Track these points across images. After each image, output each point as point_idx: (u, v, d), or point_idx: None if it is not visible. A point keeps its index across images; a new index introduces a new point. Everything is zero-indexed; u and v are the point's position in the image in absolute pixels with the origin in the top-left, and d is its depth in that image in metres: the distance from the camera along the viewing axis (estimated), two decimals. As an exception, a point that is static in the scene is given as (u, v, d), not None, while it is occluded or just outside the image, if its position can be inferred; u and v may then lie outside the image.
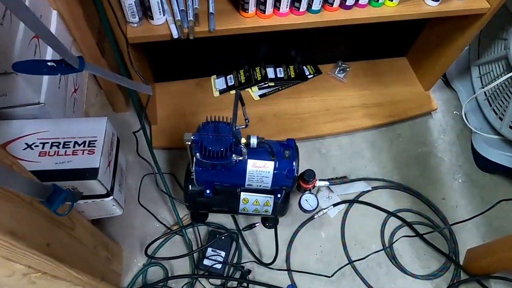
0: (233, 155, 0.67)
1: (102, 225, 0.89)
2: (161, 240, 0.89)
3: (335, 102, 1.12)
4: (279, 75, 1.13)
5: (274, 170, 0.72)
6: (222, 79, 1.13)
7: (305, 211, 0.83)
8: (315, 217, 0.95)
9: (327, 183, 0.86)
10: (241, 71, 1.12)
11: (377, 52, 1.20)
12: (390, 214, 0.97)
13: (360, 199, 1.00)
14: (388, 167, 1.06)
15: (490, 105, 1.06)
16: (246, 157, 0.69)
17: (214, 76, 1.14)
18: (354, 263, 0.90)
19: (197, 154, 0.67)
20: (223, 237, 0.86)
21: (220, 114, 0.71)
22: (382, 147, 1.09)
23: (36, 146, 0.60)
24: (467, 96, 1.16)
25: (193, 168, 0.71)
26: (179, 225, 0.91)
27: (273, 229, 0.93)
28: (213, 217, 0.94)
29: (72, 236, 0.60)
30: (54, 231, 0.52)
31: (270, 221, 0.93)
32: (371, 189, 1.00)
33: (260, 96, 1.11)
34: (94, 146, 0.61)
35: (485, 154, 1.05)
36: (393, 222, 0.97)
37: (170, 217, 0.94)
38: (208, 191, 0.76)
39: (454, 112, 1.18)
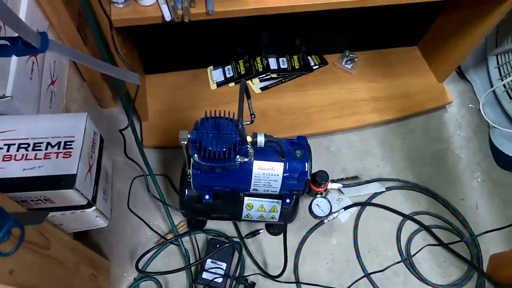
0: (237, 156, 0.57)
1: (86, 236, 0.79)
2: (154, 251, 0.80)
3: (343, 95, 1.03)
4: (282, 66, 1.03)
5: (283, 173, 0.62)
6: (219, 71, 1.03)
7: (316, 217, 0.74)
8: (324, 221, 0.87)
9: (340, 185, 0.77)
10: (241, 62, 1.02)
11: (386, 41, 1.11)
12: (406, 217, 0.89)
13: (373, 201, 0.91)
14: (402, 165, 0.97)
15: (510, 98, 0.98)
16: (252, 159, 0.59)
17: (211, 67, 1.03)
18: (369, 269, 0.82)
19: (195, 156, 0.57)
20: (224, 248, 0.76)
21: (218, 108, 0.61)
22: (394, 144, 1.01)
23: (0, 148, 0.50)
24: (483, 88, 1.07)
25: (190, 171, 0.61)
26: (174, 233, 0.81)
27: (278, 236, 0.84)
28: (212, 224, 0.85)
29: (46, 257, 0.50)
30: (19, 254, 0.42)
31: (276, 228, 0.84)
32: (385, 190, 0.92)
33: (262, 89, 1.02)
34: (71, 148, 0.51)
35: (505, 150, 0.97)
36: (410, 226, 0.88)
37: (164, 225, 0.85)
38: (207, 197, 0.66)
39: (470, 105, 1.09)
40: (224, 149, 0.56)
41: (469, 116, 1.07)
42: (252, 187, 0.64)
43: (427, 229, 0.88)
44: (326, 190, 0.75)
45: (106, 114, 0.98)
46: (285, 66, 1.03)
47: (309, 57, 1.06)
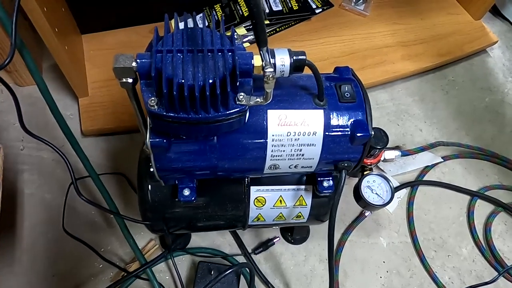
0: (239, 96, 0.28)
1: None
2: (108, 293, 0.48)
3: (361, 42, 0.76)
4: (275, 8, 0.75)
5: (325, 130, 0.34)
6: (188, 22, 0.73)
7: (368, 206, 0.46)
8: (366, 214, 0.59)
9: (398, 153, 0.49)
10: (217, 6, 0.73)
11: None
12: (476, 195, 0.63)
13: (427, 177, 0.64)
14: (452, 127, 0.71)
15: None
16: (266, 103, 0.30)
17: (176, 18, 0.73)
18: (446, 283, 0.55)
19: (152, 102, 0.28)
20: (223, 276, 0.46)
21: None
22: (436, 100, 0.75)
23: None
24: (530, 22, 0.84)
25: (149, 141, 0.31)
26: (139, 261, 0.50)
27: (302, 244, 0.56)
28: (198, 238, 0.55)
29: None
30: None
31: (297, 232, 0.55)
32: (442, 160, 0.65)
33: (251, 42, 0.73)
34: None
35: None
36: (482, 207, 0.62)
37: (123, 250, 0.54)
38: (186, 193, 0.37)
39: (517, 46, 0.86)
40: (211, 80, 0.27)
41: (519, 58, 0.84)
42: (267, 163, 0.35)
43: (507, 208, 0.62)
44: (378, 162, 0.47)
45: (24, 92, 0.66)
46: (279, 8, 0.75)
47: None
